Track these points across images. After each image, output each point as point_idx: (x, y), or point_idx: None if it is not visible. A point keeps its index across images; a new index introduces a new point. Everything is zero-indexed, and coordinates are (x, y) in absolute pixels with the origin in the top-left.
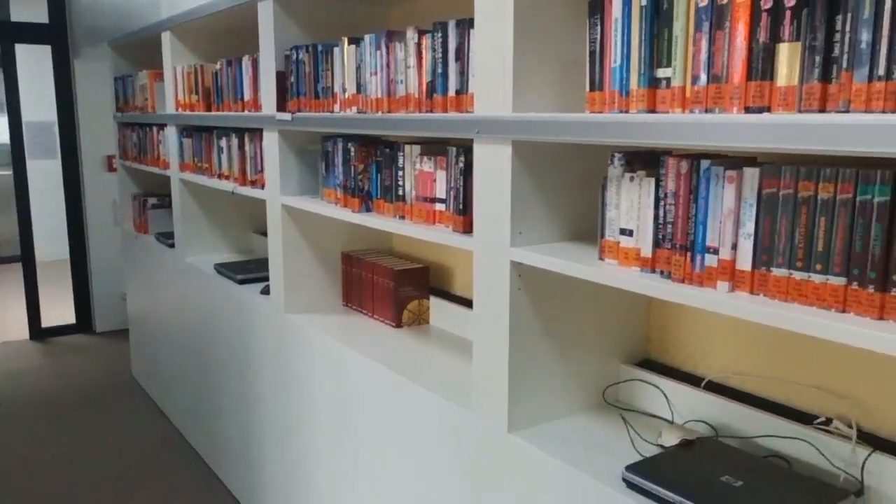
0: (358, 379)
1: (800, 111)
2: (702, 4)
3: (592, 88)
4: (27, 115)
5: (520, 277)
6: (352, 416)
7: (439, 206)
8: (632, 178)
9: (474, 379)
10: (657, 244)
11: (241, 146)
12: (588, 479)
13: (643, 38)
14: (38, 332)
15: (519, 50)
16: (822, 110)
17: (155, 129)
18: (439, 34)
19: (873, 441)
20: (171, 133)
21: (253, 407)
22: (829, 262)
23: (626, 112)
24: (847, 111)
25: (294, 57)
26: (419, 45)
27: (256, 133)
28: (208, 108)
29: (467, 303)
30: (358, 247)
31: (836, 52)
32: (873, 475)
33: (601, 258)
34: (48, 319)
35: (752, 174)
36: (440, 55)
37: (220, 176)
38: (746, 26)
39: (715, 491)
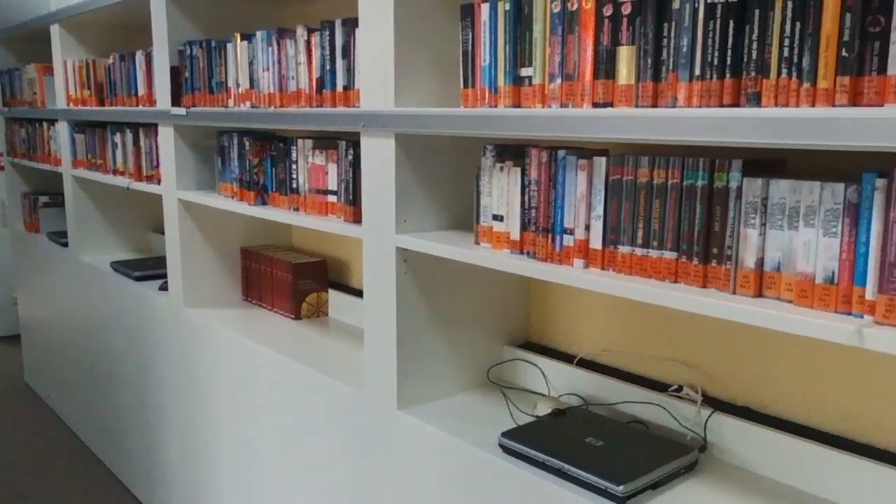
0: (258, 369)
1: (637, 106)
2: (555, 10)
3: (465, 85)
4: None
5: (405, 263)
6: (253, 404)
7: (331, 198)
8: (501, 168)
9: (365, 360)
10: (524, 227)
11: (136, 141)
12: (468, 447)
13: (508, 39)
14: None
15: (400, 49)
16: (655, 105)
17: (45, 124)
18: (327, 32)
19: (715, 404)
20: (62, 128)
21: (153, 403)
22: (664, 240)
23: (495, 107)
24: (674, 106)
25: (188, 52)
26: (308, 42)
27: (151, 128)
28: (101, 103)
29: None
30: (257, 242)
31: (665, 55)
32: (714, 432)
33: (477, 242)
34: None
35: (600, 163)
36: (328, 52)
37: (114, 172)
38: (592, 31)
39: (578, 450)
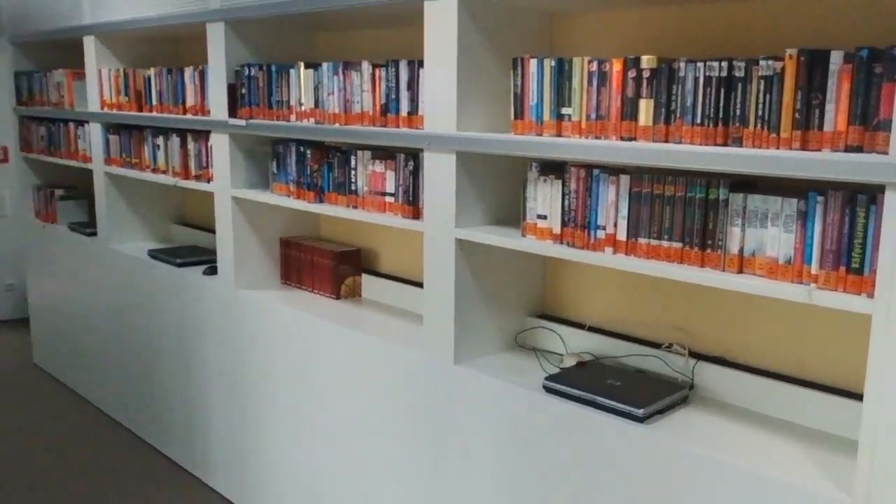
0: (317, 339)
1: (653, 141)
2: (592, 70)
3: (516, 117)
4: None
5: (461, 251)
6: (313, 374)
7: (389, 199)
8: (545, 180)
9: (426, 326)
10: (564, 224)
11: (184, 144)
12: (519, 389)
13: (552, 86)
14: None
15: (461, 86)
16: (666, 141)
17: (72, 124)
18: (393, 69)
19: (698, 356)
20: (95, 129)
21: (197, 375)
22: (672, 233)
23: (541, 136)
24: (680, 143)
25: (246, 73)
26: (374, 75)
27: (201, 134)
28: (140, 109)
29: (393, 278)
30: (292, 234)
31: (674, 106)
32: (699, 376)
33: (523, 235)
34: None
35: (625, 179)
36: (393, 84)
37: (154, 170)
38: (619, 86)
39: (603, 388)
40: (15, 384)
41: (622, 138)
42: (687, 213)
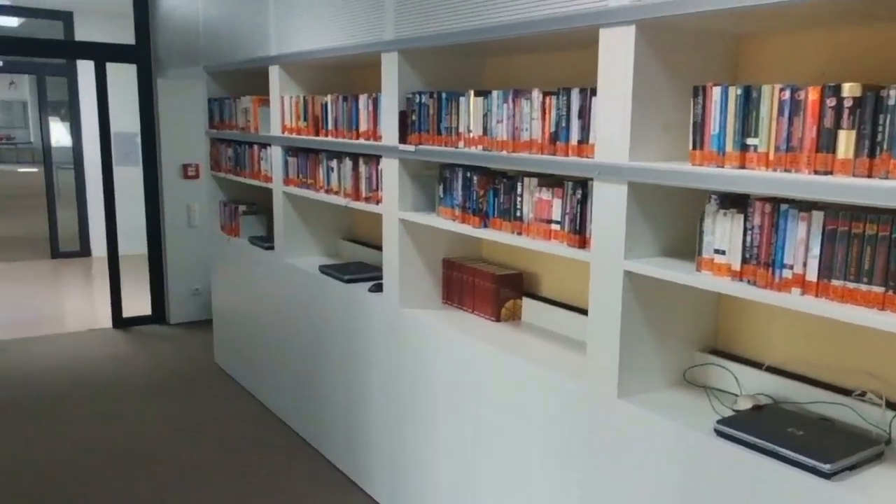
0: (476, 361)
1: (853, 176)
2: (784, 98)
3: (694, 147)
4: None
5: (630, 282)
6: (471, 395)
7: (555, 227)
8: (725, 214)
9: (589, 357)
10: (745, 261)
11: (356, 167)
12: (687, 430)
13: (737, 115)
14: (119, 321)
15: (635, 115)
16: (869, 177)
17: (256, 147)
18: (564, 97)
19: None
20: (276, 152)
21: (360, 387)
22: (873, 277)
23: (722, 167)
24: (886, 178)
25: (417, 100)
26: (544, 103)
27: (372, 158)
28: (316, 133)
29: (554, 303)
30: (455, 255)
31: (880, 138)
32: None
33: (698, 270)
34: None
35: (818, 215)
36: (564, 112)
37: (328, 191)
38: (816, 116)
39: (785, 437)
40: (196, 381)
41: (816, 172)
42: (892, 254)
